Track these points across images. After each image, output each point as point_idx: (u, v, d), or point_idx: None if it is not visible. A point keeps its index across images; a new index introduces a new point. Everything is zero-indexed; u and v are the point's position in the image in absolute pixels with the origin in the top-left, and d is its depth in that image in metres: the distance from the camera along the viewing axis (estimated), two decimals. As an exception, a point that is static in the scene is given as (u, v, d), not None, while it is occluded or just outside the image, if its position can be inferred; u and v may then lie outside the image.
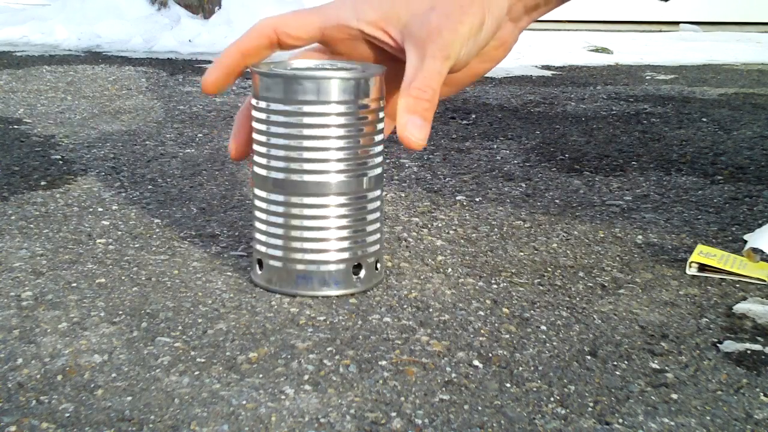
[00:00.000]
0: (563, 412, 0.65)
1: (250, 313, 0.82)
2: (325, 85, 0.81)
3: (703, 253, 0.95)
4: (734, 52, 3.49)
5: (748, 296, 0.88)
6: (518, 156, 1.51)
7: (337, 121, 0.82)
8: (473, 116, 1.90)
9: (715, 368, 0.73)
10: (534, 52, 3.28)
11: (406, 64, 0.79)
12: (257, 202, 0.86)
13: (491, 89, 2.32)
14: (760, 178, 1.37)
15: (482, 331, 0.79)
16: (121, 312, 0.81)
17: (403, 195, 1.24)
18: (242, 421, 0.63)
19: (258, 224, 0.87)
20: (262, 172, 0.85)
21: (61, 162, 1.40)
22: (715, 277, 0.93)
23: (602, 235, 1.07)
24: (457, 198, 1.23)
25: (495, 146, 1.59)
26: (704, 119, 1.91)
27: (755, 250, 0.95)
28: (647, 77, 2.68)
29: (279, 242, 0.85)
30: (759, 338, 0.79)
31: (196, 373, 0.70)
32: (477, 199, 1.22)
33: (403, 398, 0.67)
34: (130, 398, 0.66)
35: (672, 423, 0.64)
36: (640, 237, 1.07)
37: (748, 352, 0.76)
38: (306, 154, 0.82)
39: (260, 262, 0.87)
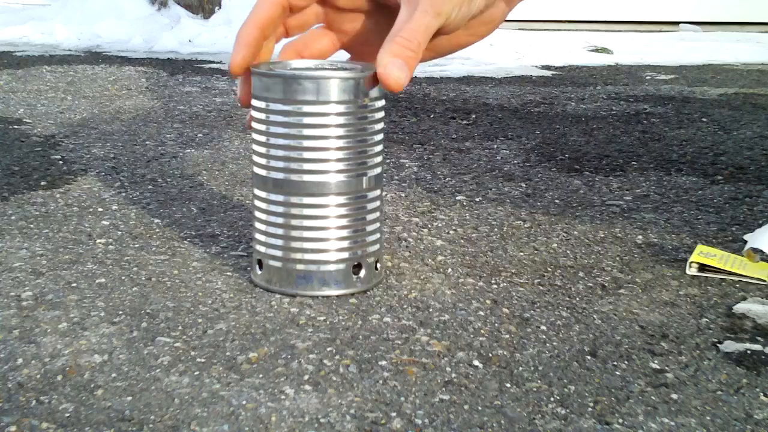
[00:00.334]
0: (563, 412, 0.65)
1: (250, 313, 0.82)
2: (324, 85, 0.81)
3: (703, 253, 0.95)
4: (734, 52, 3.49)
5: (748, 296, 0.88)
6: (518, 156, 1.51)
7: (336, 121, 0.82)
8: (473, 116, 1.90)
9: (715, 368, 0.73)
10: (534, 52, 3.28)
11: (398, 16, 0.80)
12: (257, 203, 0.86)
13: (491, 89, 2.32)
14: (760, 178, 1.37)
15: (482, 331, 0.79)
16: (121, 312, 0.81)
17: (403, 195, 1.24)
18: (242, 421, 0.63)
19: (258, 224, 0.87)
20: (262, 172, 0.85)
21: (61, 162, 1.40)
22: (715, 277, 0.93)
23: (602, 235, 1.07)
24: (457, 198, 1.23)
25: (495, 146, 1.59)
26: (704, 119, 1.91)
27: (755, 250, 0.95)
28: (647, 77, 2.68)
29: (279, 242, 0.85)
30: (759, 338, 0.79)
31: (196, 373, 0.70)
32: (477, 199, 1.22)
33: (403, 398, 0.67)
34: (130, 398, 0.66)
35: (672, 423, 0.64)
36: (640, 237, 1.07)
37: (748, 352, 0.76)
38: (306, 154, 0.82)
39: (260, 263, 0.87)
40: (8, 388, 0.67)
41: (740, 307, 0.85)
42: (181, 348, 0.74)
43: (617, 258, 0.99)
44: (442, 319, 0.81)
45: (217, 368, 0.71)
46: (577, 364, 0.73)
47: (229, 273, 0.92)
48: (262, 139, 0.84)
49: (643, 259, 0.99)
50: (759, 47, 3.80)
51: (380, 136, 0.86)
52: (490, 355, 0.74)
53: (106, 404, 0.65)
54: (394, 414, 0.64)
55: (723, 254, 0.95)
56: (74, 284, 0.88)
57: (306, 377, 0.70)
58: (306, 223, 0.84)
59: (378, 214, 0.87)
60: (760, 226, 1.08)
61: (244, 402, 0.66)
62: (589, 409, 0.66)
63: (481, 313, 0.83)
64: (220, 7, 3.72)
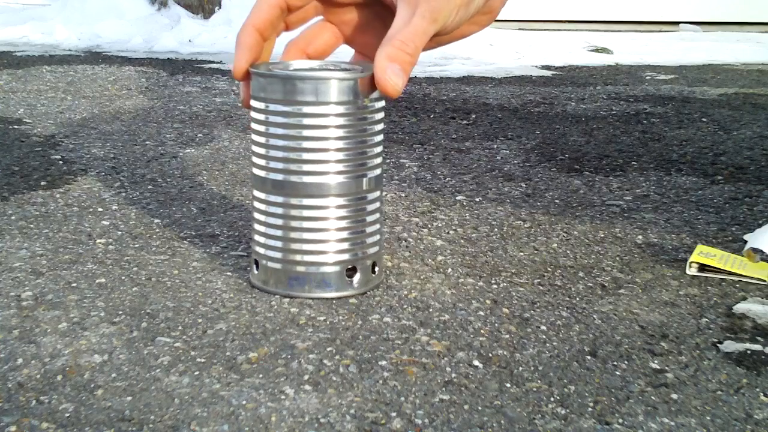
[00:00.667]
0: (563, 412, 0.65)
1: (250, 313, 0.82)
2: (324, 85, 0.81)
3: (703, 253, 0.95)
4: (734, 52, 3.49)
5: (748, 296, 0.88)
6: (518, 156, 1.51)
7: (336, 121, 0.82)
8: (473, 116, 1.90)
9: (715, 368, 0.73)
10: (534, 52, 3.28)
11: (396, 15, 0.79)
12: (256, 204, 0.86)
13: (491, 89, 2.32)
14: (760, 178, 1.37)
15: (482, 331, 0.79)
16: (121, 312, 0.82)
17: (403, 195, 1.24)
18: (242, 421, 0.63)
19: (256, 226, 0.87)
20: (261, 173, 0.85)
21: (61, 162, 1.40)
22: (715, 277, 0.93)
23: (602, 235, 1.07)
24: (457, 198, 1.23)
25: (495, 146, 1.59)
26: (704, 119, 1.91)
27: (755, 250, 0.95)
28: (647, 77, 2.68)
29: (278, 244, 0.85)
30: (759, 338, 0.79)
31: (196, 373, 0.70)
32: (477, 199, 1.22)
33: (403, 398, 0.67)
34: (130, 398, 0.66)
35: (672, 423, 0.64)
36: (640, 237, 1.07)
37: (748, 352, 0.76)
38: (305, 155, 0.82)
39: (257, 263, 0.87)
40: (8, 388, 0.67)
41: (740, 307, 0.85)
42: (181, 348, 0.74)
43: (617, 258, 0.99)
44: (442, 319, 0.81)
45: (217, 368, 0.71)
46: (577, 364, 0.73)
47: (229, 273, 0.92)
48: (262, 140, 0.84)
49: (643, 259, 0.99)
50: (759, 47, 3.80)
51: (380, 137, 0.86)
52: (490, 355, 0.74)
53: (106, 404, 0.65)
54: (394, 414, 0.64)
55: (723, 254, 0.95)
56: (74, 284, 0.88)
57: (306, 377, 0.70)
58: (305, 224, 0.84)
59: (378, 215, 0.87)
60: (760, 226, 1.08)
61: (244, 402, 0.66)
62: (589, 409, 0.66)
63: (481, 313, 0.83)
64: (220, 7, 3.72)
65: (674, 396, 0.68)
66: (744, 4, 4.91)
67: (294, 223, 0.84)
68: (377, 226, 0.88)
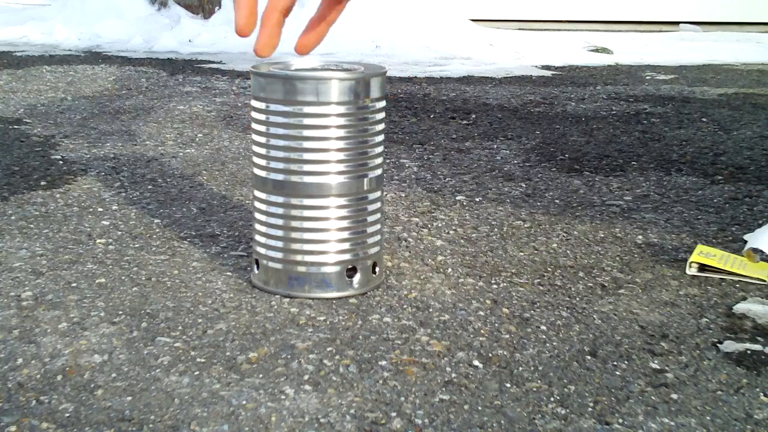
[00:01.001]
0: (563, 412, 0.65)
1: (250, 313, 0.82)
2: (324, 85, 0.81)
3: (703, 253, 0.95)
4: (734, 52, 3.49)
5: (748, 296, 0.88)
6: (518, 156, 1.51)
7: (337, 121, 0.82)
8: (473, 116, 1.90)
9: (715, 368, 0.73)
10: (534, 52, 3.28)
11: None
12: (257, 204, 0.86)
13: (491, 89, 2.32)
14: (760, 178, 1.37)
15: (482, 331, 0.79)
16: (121, 312, 0.82)
17: (403, 195, 1.24)
18: (242, 421, 0.63)
19: (257, 226, 0.87)
20: (262, 173, 0.85)
21: (61, 162, 1.40)
22: (715, 277, 0.93)
23: (602, 235, 1.07)
24: (457, 198, 1.23)
25: (495, 146, 1.59)
26: (704, 119, 1.91)
27: (755, 250, 0.95)
28: (647, 77, 2.68)
29: (279, 244, 0.85)
30: (759, 338, 0.79)
31: (196, 373, 0.70)
32: (477, 199, 1.23)
33: (403, 398, 0.67)
34: (130, 398, 0.66)
35: (672, 423, 0.64)
36: (640, 237, 1.07)
37: (748, 352, 0.76)
38: (306, 156, 0.82)
39: (257, 263, 0.87)
40: (8, 388, 0.67)
41: (740, 307, 0.85)
42: (181, 348, 0.74)
43: (617, 258, 0.99)
44: (442, 319, 0.81)
45: (217, 368, 0.71)
46: (577, 364, 0.73)
47: (229, 273, 0.92)
48: (262, 140, 0.84)
49: (643, 259, 0.99)
50: (759, 47, 3.80)
51: (381, 137, 0.86)
52: (490, 355, 0.74)
53: (106, 404, 0.65)
54: (394, 414, 0.64)
55: (723, 254, 0.95)
56: (74, 284, 0.88)
57: (306, 377, 0.70)
58: (306, 224, 0.84)
59: (378, 215, 0.87)
60: (760, 226, 1.08)
61: (244, 402, 0.66)
62: (589, 409, 0.66)
63: (481, 313, 0.83)
64: (220, 7, 3.72)
65: (674, 396, 0.68)
66: (744, 4, 4.91)
67: (295, 223, 0.84)
68: (378, 226, 0.88)
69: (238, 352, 0.74)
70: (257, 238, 0.87)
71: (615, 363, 0.73)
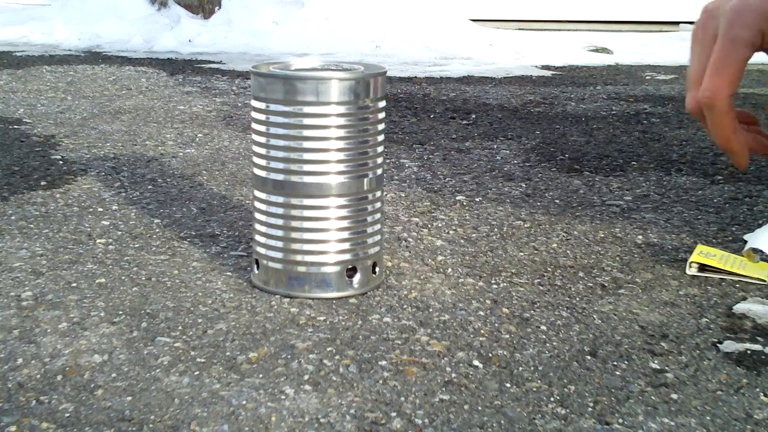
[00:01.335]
0: (563, 412, 0.65)
1: (250, 313, 0.82)
2: (324, 85, 0.81)
3: (703, 253, 0.95)
4: (734, 52, 3.47)
5: (748, 296, 0.88)
6: (518, 156, 1.51)
7: (337, 122, 0.82)
8: (473, 116, 1.90)
9: (715, 368, 0.73)
10: (534, 52, 3.28)
11: None
12: (257, 204, 0.86)
13: (491, 89, 2.32)
14: (760, 178, 1.37)
15: (482, 331, 0.79)
16: (121, 312, 0.82)
17: (403, 195, 1.24)
18: (242, 421, 0.63)
19: (257, 226, 0.87)
20: (262, 173, 0.85)
21: (61, 162, 1.40)
22: (715, 277, 0.93)
23: (602, 235, 1.07)
24: (457, 198, 1.23)
25: (495, 146, 1.59)
26: (704, 119, 1.90)
27: (755, 250, 0.95)
28: (647, 77, 2.68)
29: (279, 244, 0.85)
30: (759, 338, 0.79)
31: (196, 373, 0.70)
32: (477, 199, 1.23)
33: (403, 398, 0.67)
34: (130, 398, 0.66)
35: (672, 423, 0.64)
36: (640, 237, 1.07)
37: (748, 352, 0.76)
38: (306, 155, 0.82)
39: (257, 263, 0.87)
40: (8, 388, 0.67)
41: (740, 307, 0.85)
42: (181, 348, 0.74)
43: (617, 258, 0.99)
44: (442, 319, 0.81)
45: (217, 368, 0.71)
46: (577, 364, 0.73)
47: (229, 273, 0.92)
48: (262, 140, 0.84)
49: (643, 259, 0.99)
50: (759, 47, 3.79)
51: (381, 137, 0.86)
52: (490, 355, 0.74)
53: (106, 404, 0.65)
54: (394, 414, 0.64)
55: (723, 254, 0.95)
56: (74, 284, 0.88)
57: (306, 377, 0.70)
58: (306, 224, 0.84)
59: (378, 215, 0.87)
60: (760, 226, 1.08)
61: (244, 402, 0.66)
62: (589, 409, 0.66)
63: (481, 313, 0.83)
64: (220, 7, 3.72)
65: (674, 396, 0.68)
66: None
67: (295, 223, 0.84)
68: (378, 226, 0.88)
69: (238, 352, 0.74)
70: (257, 238, 0.87)
71: (615, 363, 0.73)
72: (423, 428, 0.63)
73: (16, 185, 1.25)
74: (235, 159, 1.44)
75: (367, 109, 0.83)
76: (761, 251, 0.95)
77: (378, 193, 0.87)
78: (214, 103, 2.01)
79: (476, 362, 0.73)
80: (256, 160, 0.85)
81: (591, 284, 0.91)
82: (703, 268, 0.94)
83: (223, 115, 1.86)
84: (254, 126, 0.85)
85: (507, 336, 0.78)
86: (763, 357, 0.75)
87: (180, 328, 0.78)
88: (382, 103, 0.86)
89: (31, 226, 1.06)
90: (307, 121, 0.81)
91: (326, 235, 0.84)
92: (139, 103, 1.97)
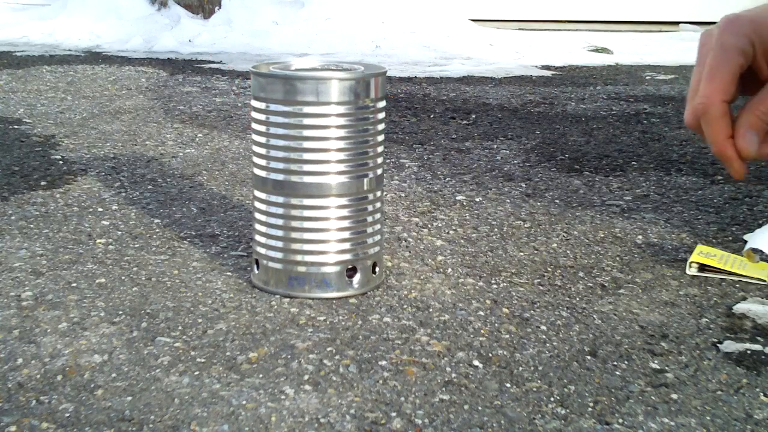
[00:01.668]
0: (563, 412, 0.65)
1: (250, 313, 0.82)
2: (324, 85, 0.81)
3: (703, 253, 0.95)
4: (734, 52, 3.47)
5: (748, 296, 0.88)
6: (518, 156, 1.51)
7: (337, 122, 0.82)
8: (473, 116, 1.90)
9: (715, 368, 0.73)
10: (534, 52, 3.28)
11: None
12: (257, 204, 0.86)
13: (491, 89, 2.32)
14: (760, 178, 1.37)
15: (482, 331, 0.79)
16: (121, 312, 0.82)
17: (403, 195, 1.24)
18: (242, 421, 0.63)
19: (257, 226, 0.87)
20: (262, 173, 0.85)
21: (61, 162, 1.40)
22: (715, 277, 0.93)
23: (602, 235, 1.07)
24: (457, 198, 1.23)
25: (495, 146, 1.59)
26: (704, 119, 1.90)
27: (755, 250, 0.95)
28: (647, 77, 2.68)
29: (278, 244, 0.85)
30: (759, 338, 0.79)
31: (196, 373, 0.70)
32: (477, 199, 1.23)
33: (403, 398, 0.67)
34: (130, 398, 0.66)
35: (672, 423, 0.64)
36: (640, 237, 1.07)
37: (748, 352, 0.76)
38: (306, 155, 0.82)
39: (257, 263, 0.87)
40: (8, 388, 0.67)
41: (740, 307, 0.85)
42: (181, 348, 0.74)
43: (617, 258, 0.99)
44: (442, 319, 0.81)
45: (217, 368, 0.71)
46: (577, 364, 0.73)
47: (229, 273, 0.92)
48: (262, 140, 0.84)
49: (643, 259, 0.99)
50: (759, 47, 3.79)
51: (381, 137, 0.86)
52: (490, 355, 0.74)
53: (106, 404, 0.65)
54: (394, 414, 0.64)
55: (723, 254, 0.95)
56: (74, 284, 0.88)
57: (306, 377, 0.70)
58: (306, 224, 0.84)
59: (378, 215, 0.87)
60: (760, 226, 1.08)
61: (244, 402, 0.66)
62: (589, 409, 0.66)
63: (481, 313, 0.83)
64: (220, 7, 3.72)
65: (674, 396, 0.68)
66: (744, 4, 4.90)
67: (295, 223, 0.84)
68: (378, 226, 0.88)
69: (238, 352, 0.74)
70: (257, 238, 0.87)
71: (615, 363, 0.73)
72: (423, 428, 0.63)
73: (16, 185, 1.25)
74: (235, 159, 1.44)
75: (367, 109, 0.83)
76: (761, 251, 0.95)
77: (378, 193, 0.87)
78: (214, 103, 2.00)
79: (476, 362, 0.73)
80: (256, 160, 0.85)
81: (591, 284, 0.91)
82: (703, 268, 0.94)
83: (223, 115, 1.86)
84: (254, 126, 0.85)
85: (507, 336, 0.78)
86: (763, 357, 0.75)
87: (180, 328, 0.78)
88: (382, 103, 0.86)
89: (31, 226, 1.06)
90: (307, 121, 0.81)
91: (326, 235, 0.84)
92: (139, 103, 1.97)
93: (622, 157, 1.51)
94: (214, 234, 1.05)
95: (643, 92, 2.33)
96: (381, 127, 0.86)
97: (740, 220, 1.15)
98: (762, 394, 0.69)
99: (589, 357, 0.74)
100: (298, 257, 0.84)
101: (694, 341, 0.78)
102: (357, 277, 0.86)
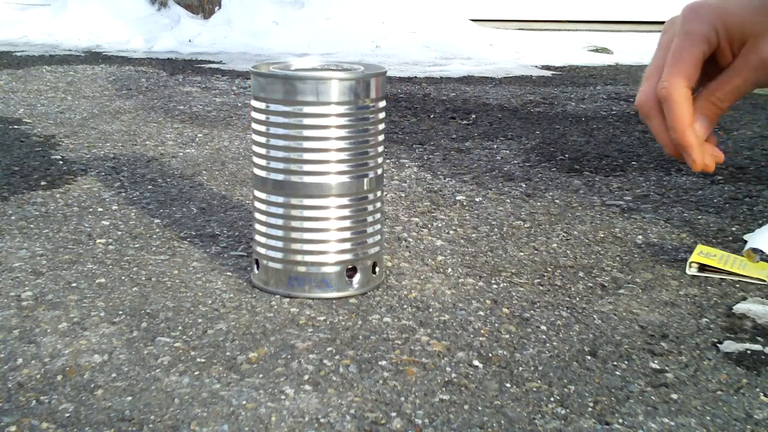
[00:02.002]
0: (563, 412, 0.65)
1: (250, 313, 0.82)
2: (324, 85, 0.81)
3: (703, 253, 0.95)
4: (734, 52, 3.48)
5: (748, 296, 0.88)
6: (518, 156, 1.51)
7: (337, 121, 0.82)
8: (473, 116, 1.90)
9: (715, 368, 0.73)
10: (534, 52, 3.28)
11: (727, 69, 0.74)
12: (257, 204, 0.86)
13: (491, 89, 2.32)
14: (760, 178, 1.37)
15: (482, 331, 0.79)
16: (121, 312, 0.82)
17: (403, 195, 1.24)
18: (242, 421, 0.63)
19: (257, 226, 0.87)
20: (262, 173, 0.85)
21: (61, 162, 1.40)
22: (715, 277, 0.93)
23: (602, 235, 1.07)
24: (457, 198, 1.23)
25: (495, 146, 1.59)
26: (704, 119, 1.90)
27: (755, 250, 0.95)
28: (647, 77, 2.68)
29: (278, 244, 0.85)
30: (759, 338, 0.79)
31: (196, 373, 0.70)
32: (477, 199, 1.23)
33: (403, 398, 0.67)
34: (130, 398, 0.66)
35: (672, 423, 0.64)
36: (640, 237, 1.07)
37: (748, 352, 0.76)
38: (306, 155, 0.82)
39: (257, 263, 0.87)
40: (8, 388, 0.67)
41: (740, 307, 0.85)
42: (181, 348, 0.74)
43: (617, 258, 0.99)
44: (442, 319, 0.81)
45: (217, 368, 0.71)
46: (577, 364, 0.73)
47: (229, 273, 0.92)
48: (262, 140, 0.84)
49: (643, 259, 0.99)
50: (759, 47, 3.79)
51: (381, 137, 0.86)
52: (490, 355, 0.74)
53: (106, 404, 0.65)
54: (394, 414, 0.64)
55: (723, 254, 0.95)
56: (74, 284, 0.88)
57: (306, 377, 0.70)
58: (306, 224, 0.84)
59: (378, 215, 0.87)
60: (760, 226, 1.08)
61: (244, 402, 0.66)
62: (589, 409, 0.66)
63: (481, 313, 0.83)
64: (220, 7, 3.72)
65: (674, 396, 0.68)
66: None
67: (295, 223, 0.84)
68: (378, 226, 0.88)
69: (238, 352, 0.74)
70: (257, 238, 0.87)
71: (615, 363, 0.73)
72: (423, 428, 0.63)
73: (16, 185, 1.25)
74: (235, 159, 1.44)
75: (367, 109, 0.83)
76: (761, 251, 0.95)
77: (378, 193, 0.87)
78: (214, 103, 2.01)
79: (476, 362, 0.73)
80: (256, 160, 0.85)
81: (591, 284, 0.91)
82: (703, 268, 0.94)
83: (223, 115, 1.86)
84: (254, 126, 0.85)
85: (507, 336, 0.78)
86: (763, 357, 0.75)
87: (180, 328, 0.78)
88: (382, 103, 0.86)
89: (31, 226, 1.06)
90: (307, 121, 0.81)
91: (326, 235, 0.84)
92: (139, 103, 1.97)
93: (622, 157, 1.51)
94: (214, 234, 1.05)
95: (643, 92, 2.32)
96: (381, 127, 0.86)
97: (740, 220, 1.15)
98: (762, 394, 0.69)
99: (589, 357, 0.74)
100: (298, 257, 0.84)
101: (694, 341, 0.78)
102: (357, 277, 0.86)
